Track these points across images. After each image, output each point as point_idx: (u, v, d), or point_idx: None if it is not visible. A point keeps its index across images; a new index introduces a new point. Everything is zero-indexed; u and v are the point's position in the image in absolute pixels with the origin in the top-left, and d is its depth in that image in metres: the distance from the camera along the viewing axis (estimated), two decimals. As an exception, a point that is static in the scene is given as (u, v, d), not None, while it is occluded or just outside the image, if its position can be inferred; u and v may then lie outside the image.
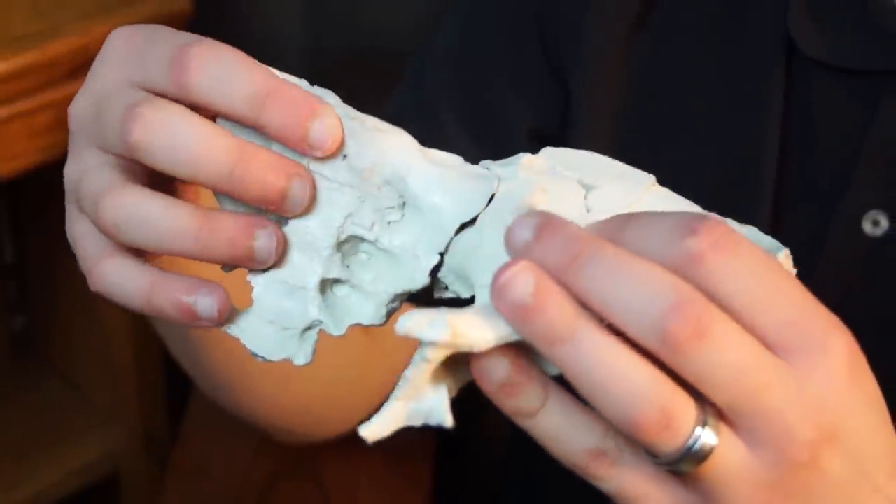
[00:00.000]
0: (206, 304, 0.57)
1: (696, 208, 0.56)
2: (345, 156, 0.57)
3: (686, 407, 0.49)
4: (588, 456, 0.52)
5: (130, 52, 0.58)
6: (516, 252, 0.50)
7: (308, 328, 0.59)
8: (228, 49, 0.56)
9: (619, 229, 0.51)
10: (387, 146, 0.56)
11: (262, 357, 0.59)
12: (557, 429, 0.52)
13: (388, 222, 0.57)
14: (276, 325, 0.58)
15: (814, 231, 0.76)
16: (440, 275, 0.57)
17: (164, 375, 1.44)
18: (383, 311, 0.59)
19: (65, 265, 1.30)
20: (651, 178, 0.57)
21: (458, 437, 1.25)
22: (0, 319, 1.48)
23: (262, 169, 0.55)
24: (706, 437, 0.49)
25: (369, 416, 0.94)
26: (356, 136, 0.56)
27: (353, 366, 0.90)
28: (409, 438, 1.16)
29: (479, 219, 0.56)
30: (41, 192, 1.36)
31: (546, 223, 0.50)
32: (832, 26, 0.76)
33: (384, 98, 0.92)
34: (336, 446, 0.96)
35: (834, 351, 0.50)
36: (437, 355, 0.50)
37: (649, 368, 0.49)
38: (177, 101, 0.56)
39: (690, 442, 0.49)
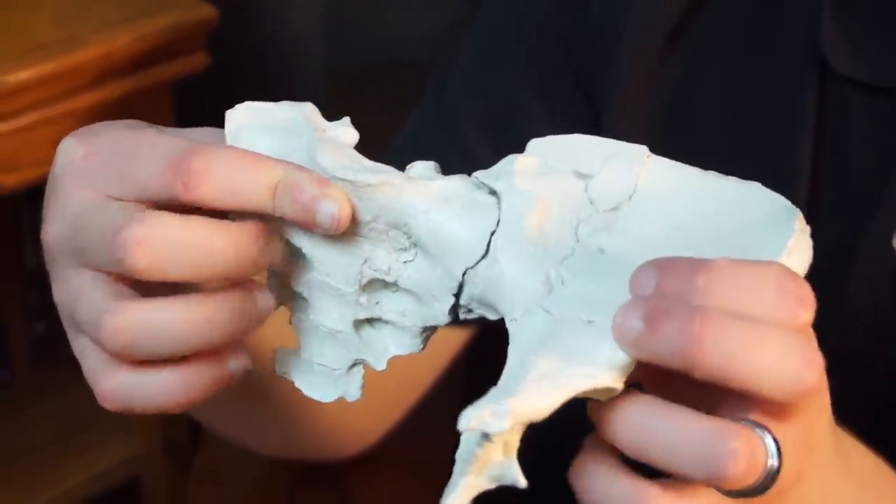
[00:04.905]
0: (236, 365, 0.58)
1: (701, 173, 0.56)
2: None
3: None
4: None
5: (99, 167, 0.56)
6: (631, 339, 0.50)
7: (352, 366, 0.60)
8: (226, 149, 0.55)
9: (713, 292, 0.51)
10: (383, 198, 0.56)
11: (318, 399, 0.60)
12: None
13: (404, 262, 0.58)
14: (324, 367, 0.60)
15: (844, 248, 0.76)
16: (462, 302, 0.58)
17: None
18: (418, 341, 0.60)
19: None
20: (643, 149, 0.56)
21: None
22: (21, 325, 1.48)
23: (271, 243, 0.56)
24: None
25: (384, 434, 0.94)
26: (353, 197, 0.56)
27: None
28: (432, 447, 1.16)
29: (491, 248, 0.56)
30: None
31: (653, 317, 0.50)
32: (864, 44, 0.76)
33: (403, 107, 0.92)
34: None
35: None
36: (503, 436, 0.51)
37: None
38: (176, 205, 0.55)
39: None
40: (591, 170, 0.56)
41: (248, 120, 0.58)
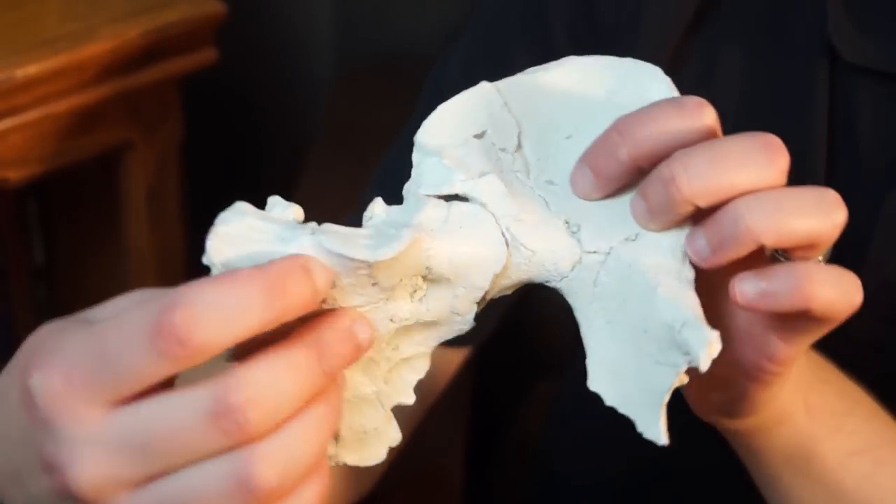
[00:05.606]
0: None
1: (532, 76, 0.58)
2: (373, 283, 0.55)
3: None
4: None
5: (84, 382, 0.49)
6: None
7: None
8: (198, 285, 0.49)
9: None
10: (407, 259, 0.54)
11: (375, 462, 0.59)
12: None
13: (419, 300, 0.56)
14: (368, 432, 0.59)
15: (859, 232, 0.76)
16: (487, 298, 0.57)
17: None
18: (429, 359, 0.59)
19: (93, 267, 1.31)
20: (484, 85, 0.58)
21: (489, 440, 1.25)
22: (28, 320, 1.48)
23: (338, 345, 0.52)
24: None
25: (391, 459, 0.94)
26: (351, 275, 0.53)
27: None
28: (439, 455, 1.16)
29: (509, 241, 0.56)
30: (71, 193, 1.37)
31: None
32: (871, 31, 0.77)
33: (412, 102, 0.91)
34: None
35: None
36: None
37: None
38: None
39: None
40: (477, 126, 0.57)
41: (232, 253, 0.52)
